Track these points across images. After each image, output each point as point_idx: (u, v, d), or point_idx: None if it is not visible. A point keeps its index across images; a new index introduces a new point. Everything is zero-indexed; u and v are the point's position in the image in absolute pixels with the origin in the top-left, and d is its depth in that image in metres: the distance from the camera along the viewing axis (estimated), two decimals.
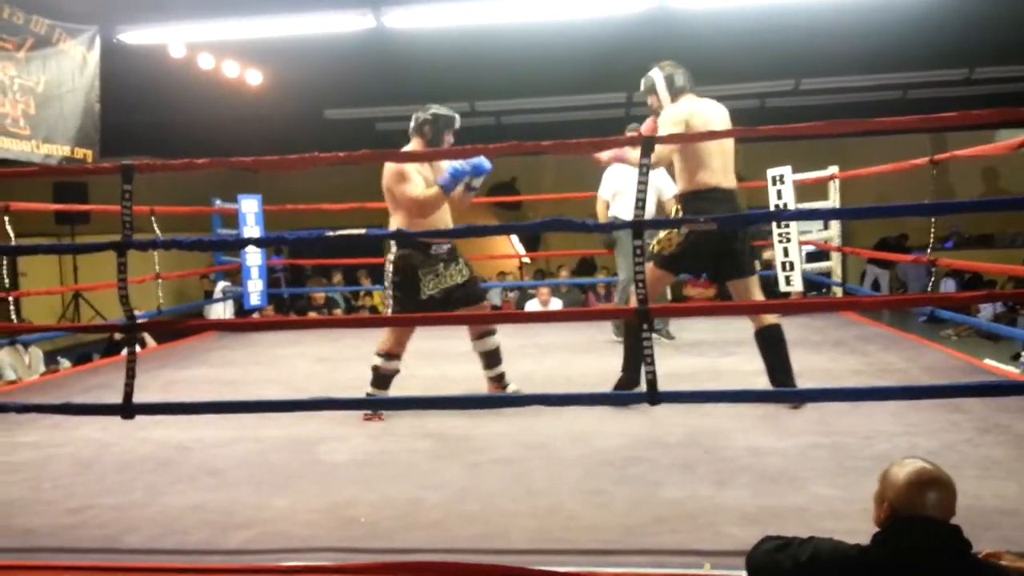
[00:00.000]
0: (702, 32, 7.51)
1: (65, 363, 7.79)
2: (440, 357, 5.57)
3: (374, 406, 3.94)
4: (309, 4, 6.57)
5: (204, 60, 7.77)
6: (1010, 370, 4.88)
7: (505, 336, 6.30)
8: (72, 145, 6.74)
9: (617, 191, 5.88)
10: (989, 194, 13.98)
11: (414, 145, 4.11)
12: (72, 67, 6.73)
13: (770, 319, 3.93)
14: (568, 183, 11.62)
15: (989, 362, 4.94)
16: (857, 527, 1.78)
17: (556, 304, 8.67)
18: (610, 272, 11.95)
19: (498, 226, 3.99)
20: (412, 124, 4.12)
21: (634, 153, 3.84)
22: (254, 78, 8.44)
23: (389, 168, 3.98)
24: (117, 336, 7.42)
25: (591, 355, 5.33)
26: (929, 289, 5.88)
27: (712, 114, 3.93)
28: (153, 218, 6.53)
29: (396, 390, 4.11)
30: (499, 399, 3.74)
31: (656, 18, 6.98)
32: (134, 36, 7.06)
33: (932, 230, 5.03)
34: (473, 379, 4.78)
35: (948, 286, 11.37)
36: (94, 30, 6.84)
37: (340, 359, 5.70)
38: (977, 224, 14.12)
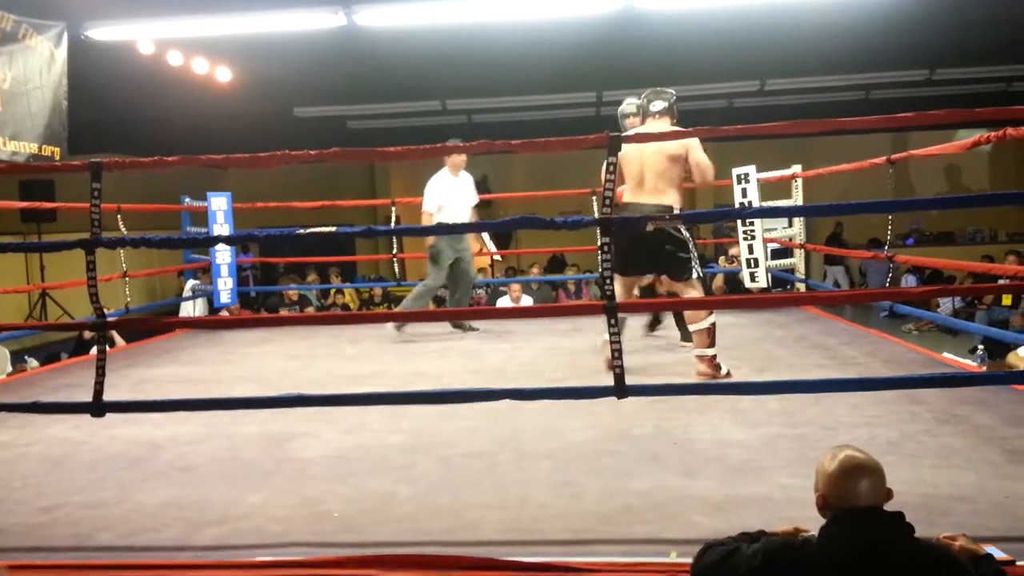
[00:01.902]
0: (670, 34, 7.60)
1: (33, 362, 7.71)
2: (412, 356, 5.61)
3: (352, 402, 3.97)
4: (280, 1, 6.55)
5: (173, 57, 7.69)
6: (967, 363, 5.01)
7: (477, 332, 6.34)
8: (39, 142, 6.65)
9: (442, 204, 5.84)
10: (951, 192, 14.27)
11: (666, 124, 4.44)
12: (39, 64, 6.64)
13: None
14: (539, 181, 11.70)
15: (948, 355, 5.08)
16: (818, 515, 1.85)
17: (527, 301, 8.73)
18: (580, 269, 12.05)
19: (469, 224, 4.03)
20: (662, 104, 4.45)
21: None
22: (224, 75, 8.38)
23: (686, 140, 4.26)
24: (86, 335, 7.35)
25: (561, 350, 5.38)
26: (888, 285, 6.01)
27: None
28: (119, 216, 6.47)
29: (368, 387, 4.13)
30: (471, 393, 3.78)
31: (625, 19, 7.04)
32: (102, 32, 6.98)
33: (889, 227, 5.15)
34: (445, 375, 4.82)
35: (909, 282, 11.59)
36: (62, 26, 6.75)
37: (312, 356, 5.70)
38: (938, 221, 14.42)
